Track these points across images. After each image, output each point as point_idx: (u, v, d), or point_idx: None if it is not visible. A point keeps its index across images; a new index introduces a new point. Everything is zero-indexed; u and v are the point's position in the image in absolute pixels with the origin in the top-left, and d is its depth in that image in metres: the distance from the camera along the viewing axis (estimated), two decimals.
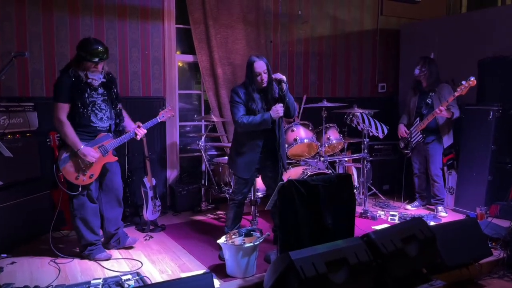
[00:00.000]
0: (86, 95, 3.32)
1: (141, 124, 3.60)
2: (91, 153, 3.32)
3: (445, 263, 3.14)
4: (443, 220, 4.44)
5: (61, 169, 3.33)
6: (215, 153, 5.42)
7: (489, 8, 5.81)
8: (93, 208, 3.49)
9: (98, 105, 3.39)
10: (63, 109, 3.28)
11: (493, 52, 4.80)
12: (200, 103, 5.41)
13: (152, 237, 4.09)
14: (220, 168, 4.78)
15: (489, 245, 3.59)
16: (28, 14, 4.20)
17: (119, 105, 3.60)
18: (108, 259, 3.50)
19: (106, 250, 3.58)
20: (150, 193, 4.25)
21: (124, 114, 3.66)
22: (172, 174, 5.09)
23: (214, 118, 4.80)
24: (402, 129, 4.90)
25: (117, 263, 3.46)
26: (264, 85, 3.45)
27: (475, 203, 4.58)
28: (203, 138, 4.85)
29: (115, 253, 3.68)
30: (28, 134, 3.98)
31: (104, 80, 3.42)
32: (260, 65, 3.40)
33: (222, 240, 3.25)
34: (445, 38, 5.56)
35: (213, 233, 4.04)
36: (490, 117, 4.58)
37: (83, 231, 3.46)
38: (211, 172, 4.86)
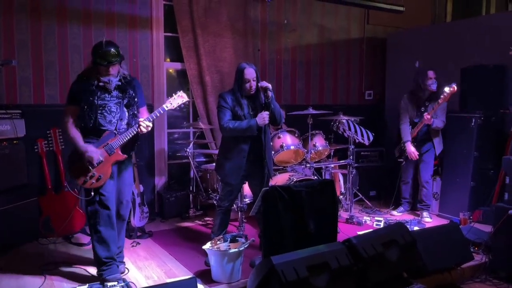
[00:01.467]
0: (96, 97, 3.17)
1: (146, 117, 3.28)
2: (93, 152, 3.11)
3: (426, 267, 3.21)
4: (428, 226, 4.51)
5: (69, 173, 3.22)
6: (203, 159, 5.46)
7: (472, 18, 5.94)
8: (106, 215, 3.17)
9: (109, 107, 3.22)
10: (69, 111, 3.19)
11: (475, 61, 4.91)
12: (189, 110, 5.46)
13: (139, 243, 4.11)
14: (208, 175, 4.81)
15: (472, 249, 3.66)
16: (16, 22, 4.22)
17: (138, 109, 3.33)
18: (117, 279, 3.15)
19: (119, 272, 3.25)
20: (138, 200, 4.28)
21: (145, 115, 3.35)
22: (160, 180, 5.12)
23: (202, 125, 4.85)
24: (411, 151, 4.79)
25: None
26: (252, 92, 3.51)
27: (459, 209, 4.67)
28: (191, 145, 4.89)
29: None
30: (15, 141, 4.00)
31: (120, 83, 3.24)
32: (250, 72, 3.46)
33: (207, 246, 3.28)
34: (430, 47, 5.67)
35: (200, 240, 4.06)
36: (473, 124, 4.67)
37: (96, 245, 3.18)
38: (199, 179, 4.89)
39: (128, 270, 3.44)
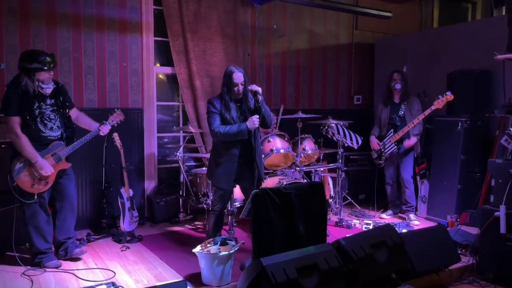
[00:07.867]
0: (35, 107, 3.38)
1: (104, 122, 3.70)
2: (47, 167, 3.38)
3: (415, 268, 3.23)
4: (416, 228, 4.55)
5: (16, 179, 3.34)
6: (193, 164, 5.46)
7: (459, 24, 6.05)
8: (45, 217, 3.52)
9: (47, 115, 3.45)
10: (16, 122, 3.32)
11: (461, 66, 5.00)
12: (179, 115, 5.46)
13: (128, 248, 4.08)
14: (198, 179, 4.81)
15: (459, 251, 3.71)
16: (5, 26, 4.20)
17: (70, 112, 3.64)
18: (57, 267, 3.51)
19: (56, 259, 3.59)
20: (127, 204, 4.25)
21: (83, 116, 3.75)
22: (150, 185, 5.11)
23: (192, 129, 4.85)
24: (374, 141, 5.02)
25: (92, 273, 3.46)
26: (240, 96, 3.54)
27: (447, 211, 4.72)
28: (181, 149, 4.89)
29: (90, 263, 3.68)
30: (3, 146, 3.94)
31: (54, 86, 3.48)
32: (239, 77, 3.50)
33: (197, 249, 3.28)
34: (417, 52, 5.77)
35: (190, 244, 4.03)
36: (459, 128, 4.75)
37: (35, 238, 3.49)
38: (189, 183, 4.89)
39: (115, 274, 3.44)
